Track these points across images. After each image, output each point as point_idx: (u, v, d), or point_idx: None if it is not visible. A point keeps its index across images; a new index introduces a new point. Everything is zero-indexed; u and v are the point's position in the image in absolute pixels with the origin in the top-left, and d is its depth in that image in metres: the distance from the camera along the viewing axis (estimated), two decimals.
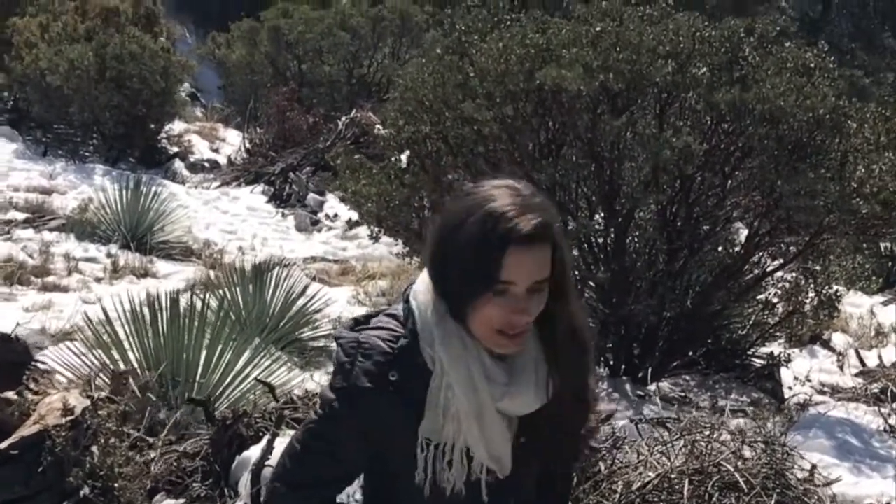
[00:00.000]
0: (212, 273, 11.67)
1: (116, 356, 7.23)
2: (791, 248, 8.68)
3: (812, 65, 7.74)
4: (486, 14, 8.66)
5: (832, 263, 8.68)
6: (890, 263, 14.46)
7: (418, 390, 2.44)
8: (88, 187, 16.96)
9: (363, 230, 15.15)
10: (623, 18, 8.11)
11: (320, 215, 17.35)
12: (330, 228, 16.68)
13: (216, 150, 22.49)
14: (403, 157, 9.27)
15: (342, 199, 16.90)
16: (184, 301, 7.63)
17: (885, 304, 13.97)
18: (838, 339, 11.67)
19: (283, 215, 17.29)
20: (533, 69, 7.91)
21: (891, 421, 8.01)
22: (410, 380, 2.43)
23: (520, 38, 7.94)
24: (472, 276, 2.32)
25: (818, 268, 8.54)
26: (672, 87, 7.92)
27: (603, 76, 7.63)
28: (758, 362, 9.56)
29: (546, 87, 7.86)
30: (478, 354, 2.41)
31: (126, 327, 7.38)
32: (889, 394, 8.61)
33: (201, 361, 7.28)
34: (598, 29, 7.86)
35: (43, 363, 6.79)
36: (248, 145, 20.97)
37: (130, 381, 6.62)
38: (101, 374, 6.78)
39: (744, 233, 8.99)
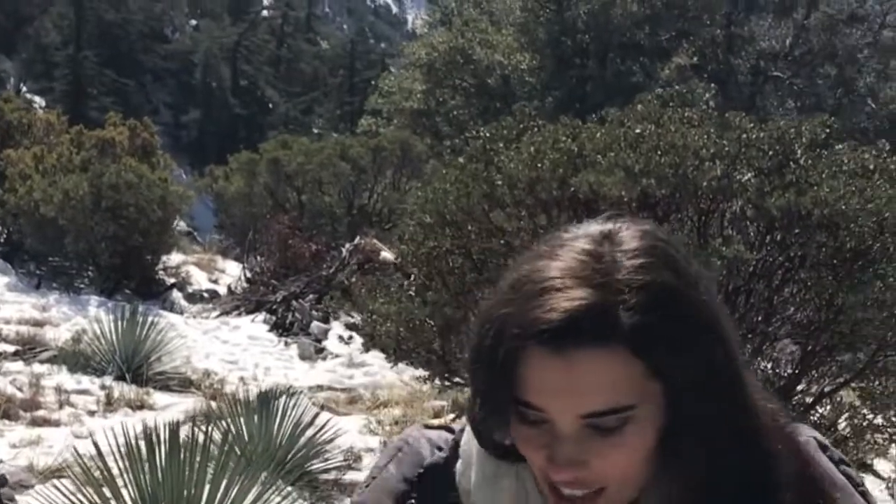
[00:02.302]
0: (213, 404, 10.96)
1: (108, 494, 6.51)
2: (839, 367, 8.02)
3: (871, 166, 7.13)
4: (511, 121, 8.10)
5: (891, 383, 7.98)
6: None
7: None
8: (83, 319, 16.31)
9: (370, 358, 14.55)
10: (661, 121, 7.54)
11: (325, 343, 16.70)
12: (335, 356, 16.03)
13: (215, 281, 22.00)
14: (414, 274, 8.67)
15: (347, 326, 16.32)
16: (184, 433, 6.94)
17: None
18: (879, 466, 10.99)
19: (286, 344, 16.65)
20: (566, 176, 7.31)
21: None
22: None
23: (551, 143, 7.35)
24: (488, 389, 1.40)
25: (878, 386, 7.83)
26: (718, 193, 7.31)
27: (646, 181, 7.03)
28: None
29: (581, 195, 7.25)
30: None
31: (120, 462, 6.67)
32: None
33: (203, 499, 6.56)
34: (637, 131, 7.27)
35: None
36: (248, 274, 20.44)
37: None
38: None
39: (792, 350, 8.32)
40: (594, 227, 1.40)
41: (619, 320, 1.29)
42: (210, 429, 7.46)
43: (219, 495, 6.61)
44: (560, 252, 1.36)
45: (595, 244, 1.35)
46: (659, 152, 7.15)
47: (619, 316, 1.29)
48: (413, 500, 1.61)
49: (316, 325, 17.19)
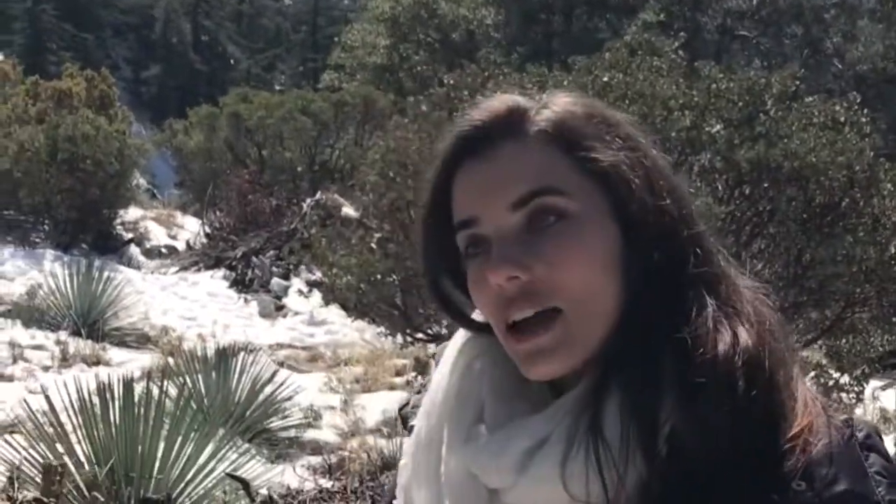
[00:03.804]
0: (170, 360, 10.77)
1: (62, 450, 6.31)
2: (806, 324, 7.91)
3: (842, 119, 6.98)
4: (476, 69, 7.89)
5: (857, 341, 7.87)
6: None
7: None
8: (38, 273, 16.02)
9: (332, 316, 14.38)
10: (630, 70, 7.35)
11: (285, 300, 16.48)
12: (296, 314, 15.83)
13: (174, 237, 21.71)
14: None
15: (308, 283, 16.10)
16: (139, 389, 6.76)
17: (884, 388, 13.30)
18: None
19: (246, 301, 16.42)
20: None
21: None
22: None
23: (517, 92, 7.15)
24: (426, 242, 1.38)
25: (845, 345, 7.72)
26: (687, 144, 7.14)
27: None
28: None
29: None
30: (495, 375, 1.35)
31: (74, 418, 6.49)
32: None
33: (159, 455, 6.39)
34: (605, 79, 7.08)
35: None
36: (207, 230, 20.15)
37: (73, 476, 5.65)
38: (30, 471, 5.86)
39: None
40: (533, 97, 1.38)
41: (533, 116, 1.31)
42: (166, 385, 7.28)
43: (174, 451, 6.44)
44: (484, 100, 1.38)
45: (522, 100, 1.35)
46: (627, 101, 6.96)
47: (533, 113, 1.31)
48: None
49: (276, 282, 16.97)
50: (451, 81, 7.72)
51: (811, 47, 33.07)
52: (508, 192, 1.27)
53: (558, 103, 1.32)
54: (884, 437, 1.31)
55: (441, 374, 1.41)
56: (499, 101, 1.34)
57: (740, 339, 1.22)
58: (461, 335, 1.42)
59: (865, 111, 7.06)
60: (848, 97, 7.31)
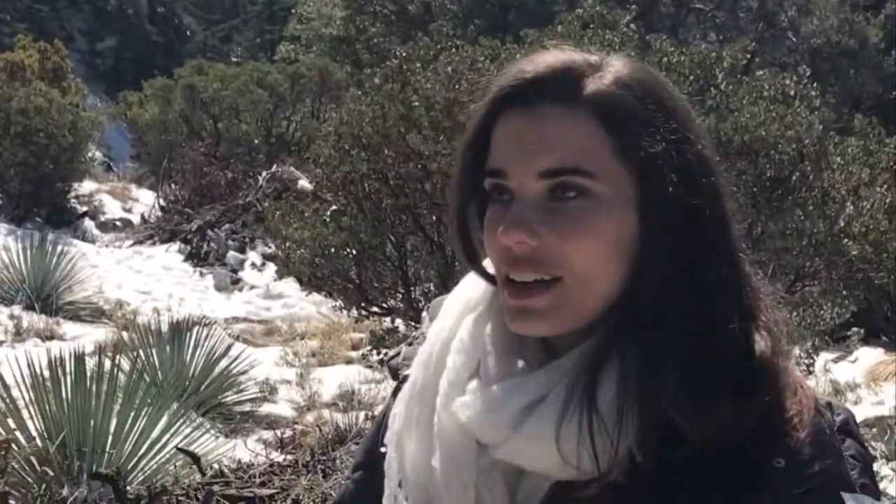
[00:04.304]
0: (124, 334, 10.72)
1: (13, 425, 6.28)
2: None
3: (792, 92, 7.03)
4: (428, 41, 7.88)
5: (808, 314, 7.95)
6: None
7: None
8: None
9: (288, 289, 14.36)
10: (581, 43, 7.36)
11: (241, 274, 16.43)
12: (252, 287, 15.79)
13: (128, 210, 21.58)
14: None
15: (264, 256, 16.07)
16: (92, 363, 6.73)
17: (835, 361, 13.42)
18: None
19: (202, 274, 16.37)
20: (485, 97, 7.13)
21: None
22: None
23: (469, 64, 7.16)
24: (459, 180, 1.38)
25: (795, 318, 7.78)
26: None
27: None
28: None
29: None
30: (496, 330, 1.36)
31: (26, 393, 6.45)
32: None
33: (111, 430, 6.37)
34: None
35: None
36: (162, 203, 20.04)
37: (24, 451, 5.62)
38: None
39: None
40: (591, 55, 1.35)
41: (587, 83, 1.29)
42: (118, 359, 7.25)
43: (126, 426, 6.42)
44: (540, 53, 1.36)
45: (580, 60, 1.33)
46: None
47: (587, 80, 1.30)
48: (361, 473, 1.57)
49: (232, 255, 16.91)
50: (404, 54, 7.71)
51: (766, 21, 33.16)
52: (541, 159, 1.28)
53: (615, 73, 1.30)
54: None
55: (441, 326, 1.43)
56: (555, 58, 1.32)
57: (758, 345, 1.27)
58: (465, 288, 1.45)
59: (815, 85, 7.11)
60: (798, 71, 7.36)
